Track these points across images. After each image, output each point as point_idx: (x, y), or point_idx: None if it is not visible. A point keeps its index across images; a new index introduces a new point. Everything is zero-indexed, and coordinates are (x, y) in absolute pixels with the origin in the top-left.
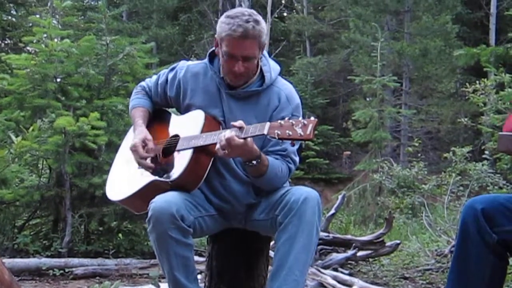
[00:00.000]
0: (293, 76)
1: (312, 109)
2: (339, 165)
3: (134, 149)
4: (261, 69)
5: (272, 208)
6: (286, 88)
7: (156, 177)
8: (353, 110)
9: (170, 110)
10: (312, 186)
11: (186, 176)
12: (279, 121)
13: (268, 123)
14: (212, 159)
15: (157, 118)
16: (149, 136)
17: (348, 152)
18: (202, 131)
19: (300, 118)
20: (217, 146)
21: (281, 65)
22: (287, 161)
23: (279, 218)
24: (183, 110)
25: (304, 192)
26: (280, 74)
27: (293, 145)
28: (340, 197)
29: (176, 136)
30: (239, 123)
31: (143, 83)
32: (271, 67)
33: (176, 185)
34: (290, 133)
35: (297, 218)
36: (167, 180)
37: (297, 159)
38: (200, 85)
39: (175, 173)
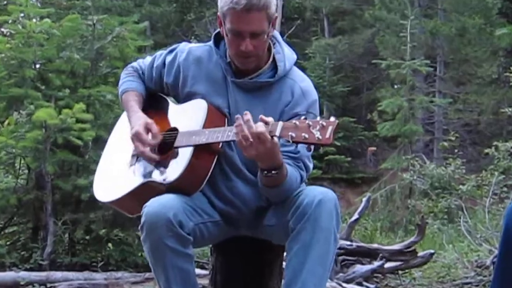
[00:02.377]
0: (309, 61)
1: (331, 98)
2: (363, 163)
3: (137, 137)
4: (273, 57)
5: (283, 211)
6: (302, 81)
7: (151, 178)
8: (379, 100)
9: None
10: (332, 187)
11: (185, 178)
12: (293, 121)
13: (280, 123)
14: (215, 158)
15: (151, 106)
16: (150, 120)
17: (374, 148)
18: (205, 126)
19: (318, 118)
20: (240, 138)
21: (297, 53)
22: (299, 166)
23: (291, 223)
24: (182, 99)
25: (319, 193)
26: (296, 64)
27: (309, 150)
28: (364, 200)
29: (174, 129)
30: (270, 119)
31: (134, 64)
32: (286, 56)
33: (173, 188)
34: (307, 136)
35: (311, 223)
36: (163, 182)
37: (311, 165)
38: (203, 71)
39: (173, 174)
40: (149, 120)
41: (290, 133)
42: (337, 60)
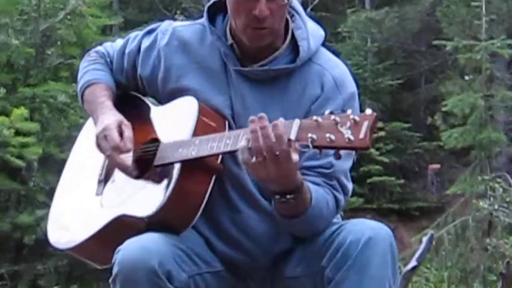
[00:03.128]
0: (342, 43)
1: (375, 95)
2: (421, 186)
3: (104, 136)
4: (292, 34)
5: (315, 256)
6: (334, 66)
7: (124, 212)
8: (443, 97)
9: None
10: (379, 221)
11: (170, 208)
12: (314, 117)
13: (297, 121)
14: (213, 178)
15: (123, 110)
16: (126, 121)
17: (437, 166)
18: (195, 133)
19: (349, 112)
20: (253, 152)
21: (325, 29)
22: (333, 186)
23: (328, 271)
24: (164, 99)
25: (368, 228)
26: (324, 43)
27: (338, 157)
28: (425, 240)
29: (155, 141)
30: (284, 122)
31: (100, 48)
32: (309, 32)
33: (156, 224)
34: (333, 137)
35: (357, 271)
36: (140, 216)
37: (350, 185)
38: (195, 58)
39: (153, 204)
40: (125, 120)
41: (310, 135)
42: (383, 41)
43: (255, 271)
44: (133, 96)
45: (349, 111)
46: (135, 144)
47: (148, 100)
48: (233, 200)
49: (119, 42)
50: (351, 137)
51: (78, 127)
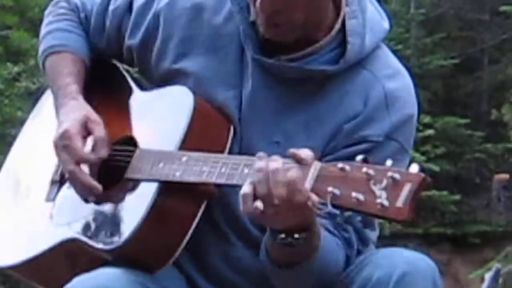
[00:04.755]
0: None
1: (420, 79)
2: (484, 204)
3: (65, 143)
4: (343, 23)
5: None
6: (390, 75)
7: (81, 236)
8: None
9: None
10: (426, 251)
11: (143, 240)
12: (341, 164)
13: (317, 165)
14: (203, 205)
15: (99, 84)
16: (94, 115)
17: (505, 177)
18: (185, 142)
19: (389, 163)
20: (262, 200)
21: (391, 20)
22: (347, 240)
23: None
24: (157, 80)
25: (402, 261)
26: (385, 40)
27: (366, 224)
28: (488, 276)
29: (131, 140)
30: (306, 153)
31: None
32: (367, 25)
33: (121, 257)
34: (361, 198)
35: None
36: (102, 247)
37: (374, 234)
38: (204, 30)
39: (121, 232)
40: (93, 115)
41: (331, 189)
42: (432, 6)
43: None
44: (113, 66)
45: (388, 162)
46: (108, 137)
47: (131, 77)
48: (224, 232)
49: None
50: (385, 203)
51: (17, 122)
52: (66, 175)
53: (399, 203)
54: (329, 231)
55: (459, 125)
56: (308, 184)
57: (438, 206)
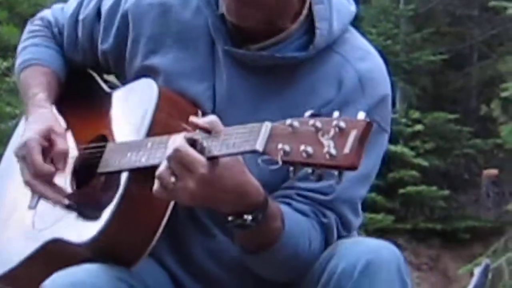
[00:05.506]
0: (366, 3)
1: (409, 75)
2: (472, 200)
3: (24, 154)
4: (310, 9)
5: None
6: (361, 56)
7: (59, 235)
8: (503, 77)
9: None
10: (414, 247)
11: (115, 231)
12: (289, 121)
13: (267, 125)
14: None
15: (76, 94)
16: (58, 127)
17: (494, 172)
18: (151, 130)
19: (336, 115)
20: (157, 174)
21: (358, 3)
22: (325, 225)
23: None
24: (130, 79)
25: (365, 251)
26: (354, 22)
27: (318, 178)
28: (477, 271)
29: (103, 138)
30: (212, 121)
31: (46, 14)
32: (334, 9)
33: (98, 252)
34: (310, 150)
35: None
36: (78, 241)
37: (357, 220)
38: (172, 26)
39: (94, 226)
40: (55, 126)
41: (280, 145)
42: (422, 2)
43: None
44: (86, 74)
45: (335, 114)
46: (82, 142)
47: (102, 81)
48: (206, 224)
49: (72, 4)
50: (333, 152)
51: (6, 117)
52: (32, 192)
53: (346, 149)
54: (303, 213)
55: (448, 120)
56: (259, 146)
57: (427, 202)
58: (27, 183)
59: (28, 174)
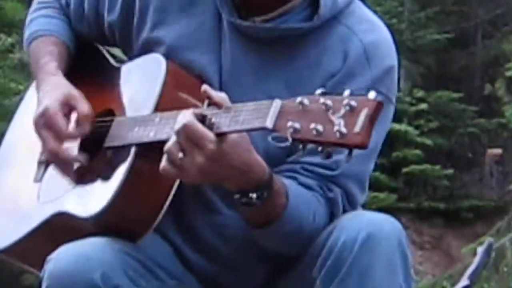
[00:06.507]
0: None
1: (414, 54)
2: (476, 179)
3: (46, 121)
4: None
5: (306, 264)
6: (367, 28)
7: (64, 208)
8: (507, 57)
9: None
10: (417, 226)
11: (121, 206)
12: (299, 98)
13: (277, 102)
14: None
15: (85, 68)
16: (76, 91)
17: (498, 151)
18: (159, 105)
19: (347, 93)
20: (165, 148)
21: None
22: (330, 199)
23: (318, 283)
24: (136, 52)
25: (366, 223)
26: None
27: (327, 156)
28: (480, 250)
29: (109, 112)
30: (223, 96)
31: None
32: None
33: (104, 226)
34: (320, 128)
35: (354, 282)
36: (83, 215)
37: (362, 195)
38: (178, 1)
39: (100, 199)
40: (74, 92)
41: (290, 123)
42: None
43: (237, 286)
44: (94, 47)
45: (346, 92)
46: (92, 112)
47: (109, 55)
48: (212, 200)
49: None
50: (343, 130)
51: (10, 94)
52: (46, 154)
53: (357, 128)
54: (309, 187)
55: (452, 99)
56: (269, 123)
57: (431, 181)
58: (50, 150)
59: (52, 140)
